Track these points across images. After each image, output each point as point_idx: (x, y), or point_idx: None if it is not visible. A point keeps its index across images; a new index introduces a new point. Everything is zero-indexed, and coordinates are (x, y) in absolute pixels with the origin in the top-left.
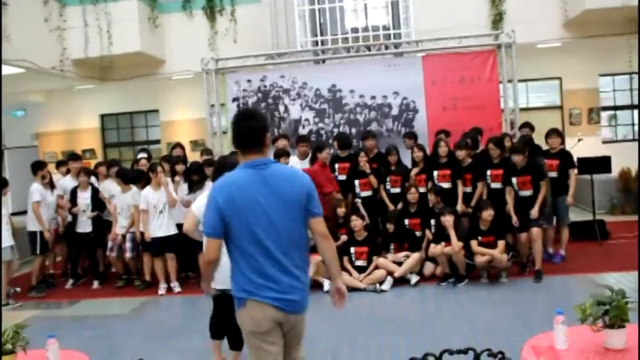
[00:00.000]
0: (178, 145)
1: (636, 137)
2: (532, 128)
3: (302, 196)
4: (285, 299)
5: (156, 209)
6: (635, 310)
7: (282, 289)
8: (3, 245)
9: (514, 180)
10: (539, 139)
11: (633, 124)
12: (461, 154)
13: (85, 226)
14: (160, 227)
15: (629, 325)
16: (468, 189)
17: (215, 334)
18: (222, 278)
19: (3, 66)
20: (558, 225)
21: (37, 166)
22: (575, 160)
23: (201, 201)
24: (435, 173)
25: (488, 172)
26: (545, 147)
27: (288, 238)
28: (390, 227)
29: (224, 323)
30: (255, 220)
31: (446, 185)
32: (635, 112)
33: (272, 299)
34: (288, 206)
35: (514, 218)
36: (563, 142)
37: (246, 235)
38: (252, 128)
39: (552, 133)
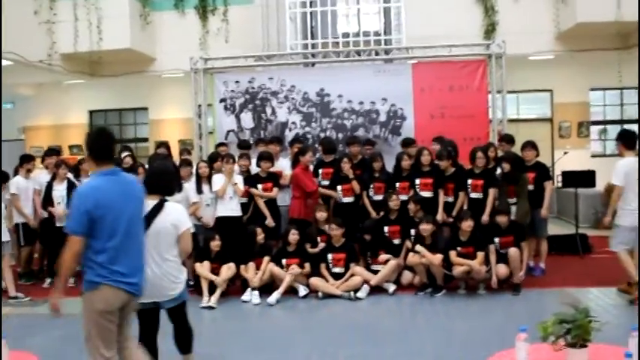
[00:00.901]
0: (163, 144)
1: None
2: (510, 141)
3: (142, 199)
4: (132, 283)
5: None
6: (599, 330)
7: (133, 276)
8: (3, 239)
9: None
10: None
11: None
12: (442, 163)
13: (61, 219)
14: None
15: (591, 345)
16: (450, 198)
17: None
18: (147, 291)
19: None
20: (536, 237)
21: (24, 160)
22: (550, 172)
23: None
24: (417, 181)
25: (469, 182)
26: None
27: (137, 233)
28: (367, 237)
29: (153, 339)
30: (115, 218)
31: (428, 194)
32: (626, 126)
33: (125, 284)
34: (137, 205)
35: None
36: (538, 155)
37: (108, 231)
38: (109, 144)
39: (527, 145)
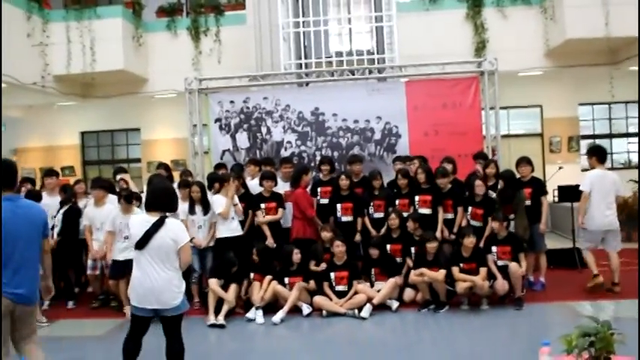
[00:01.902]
0: (163, 165)
1: (615, 166)
2: (485, 158)
3: (40, 221)
4: (15, 293)
5: (121, 233)
6: (622, 342)
7: (19, 287)
8: None
9: None
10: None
11: (612, 153)
12: (441, 181)
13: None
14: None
15: (614, 357)
16: (449, 215)
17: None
18: (137, 295)
19: None
20: (535, 252)
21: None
22: (546, 187)
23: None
24: (417, 198)
25: (469, 209)
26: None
27: (31, 249)
28: (374, 252)
29: (139, 340)
30: (15, 237)
31: (426, 211)
32: (615, 140)
33: (9, 293)
34: (33, 227)
35: None
36: (533, 170)
37: (9, 246)
38: (13, 173)
39: (522, 161)
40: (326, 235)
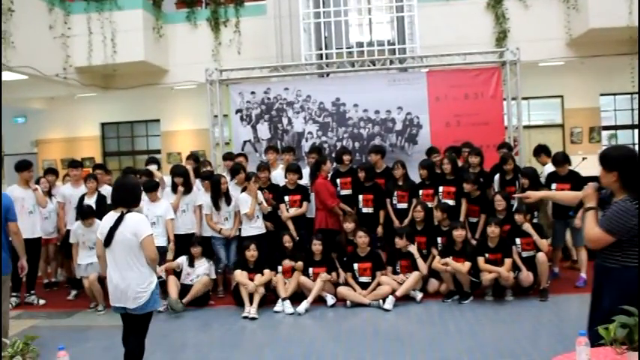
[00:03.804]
0: (193, 156)
1: None
2: (510, 149)
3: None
4: None
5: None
6: None
7: None
8: None
9: None
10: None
11: (633, 144)
12: (468, 187)
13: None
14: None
15: None
16: (473, 219)
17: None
18: (116, 297)
19: (6, 72)
20: (576, 247)
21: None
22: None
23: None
24: (441, 189)
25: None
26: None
27: None
28: (401, 242)
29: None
30: None
31: (450, 202)
32: (636, 131)
33: None
34: None
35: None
36: (570, 164)
37: None
38: None
39: (560, 157)
40: (348, 225)
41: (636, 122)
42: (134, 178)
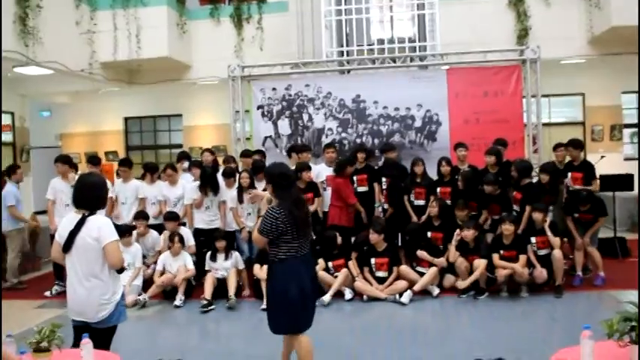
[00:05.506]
0: (208, 150)
1: None
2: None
3: None
4: None
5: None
6: None
7: None
8: None
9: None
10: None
11: None
12: (488, 188)
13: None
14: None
15: None
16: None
17: None
18: (75, 310)
19: (33, 67)
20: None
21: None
22: (595, 172)
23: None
24: (438, 190)
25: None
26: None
27: None
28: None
29: None
30: None
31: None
32: None
33: None
34: None
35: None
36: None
37: None
38: None
39: (574, 143)
40: (372, 237)
41: None
42: (98, 176)
